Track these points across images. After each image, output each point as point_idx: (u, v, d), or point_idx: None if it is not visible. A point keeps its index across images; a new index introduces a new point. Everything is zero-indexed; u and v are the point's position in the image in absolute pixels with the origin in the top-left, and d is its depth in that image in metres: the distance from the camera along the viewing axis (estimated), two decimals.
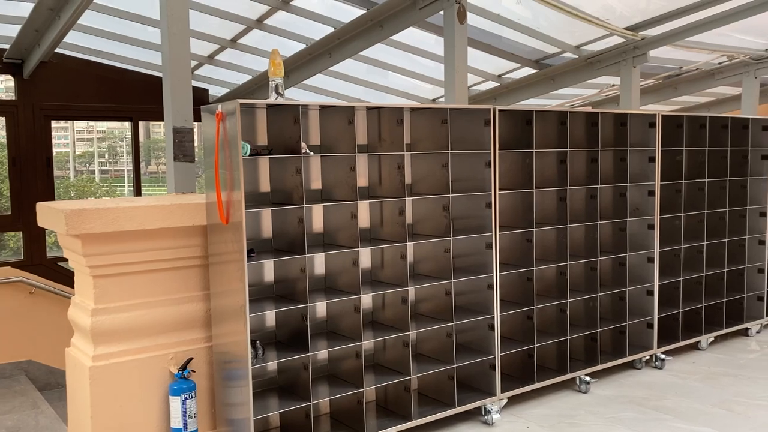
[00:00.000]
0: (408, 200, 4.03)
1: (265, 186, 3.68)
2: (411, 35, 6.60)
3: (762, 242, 5.84)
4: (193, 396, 3.42)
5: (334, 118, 3.71)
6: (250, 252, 3.39)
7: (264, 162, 3.65)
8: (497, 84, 7.68)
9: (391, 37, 6.23)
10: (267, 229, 3.70)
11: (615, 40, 5.87)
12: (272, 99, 3.39)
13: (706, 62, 6.94)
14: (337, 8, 6.08)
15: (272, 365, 3.70)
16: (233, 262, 3.27)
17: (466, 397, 4.08)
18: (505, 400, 4.19)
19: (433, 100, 8.69)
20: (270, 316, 3.73)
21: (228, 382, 3.46)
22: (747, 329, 5.80)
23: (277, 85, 3.37)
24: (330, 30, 6.31)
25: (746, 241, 5.76)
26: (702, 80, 7.35)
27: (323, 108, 3.77)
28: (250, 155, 3.28)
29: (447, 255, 4.01)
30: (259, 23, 6.58)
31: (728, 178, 5.56)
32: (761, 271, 5.86)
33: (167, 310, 3.50)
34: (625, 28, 5.62)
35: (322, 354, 3.86)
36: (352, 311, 3.68)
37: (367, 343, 3.91)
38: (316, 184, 3.83)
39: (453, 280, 4.00)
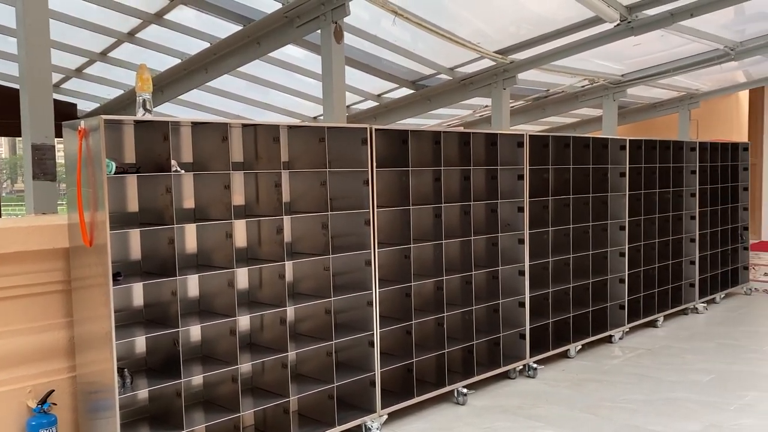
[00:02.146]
0: (286, 218, 3.98)
1: (133, 206, 3.52)
2: (291, 53, 6.58)
3: (622, 254, 6.26)
4: (54, 431, 3.19)
5: (207, 135, 3.62)
6: (116, 275, 3.22)
7: (132, 180, 3.50)
8: (377, 103, 7.80)
9: (271, 55, 6.18)
10: (135, 250, 3.54)
11: (486, 63, 6.13)
12: (140, 115, 3.26)
13: (570, 85, 7.38)
14: (214, 24, 5.96)
15: (143, 394, 3.52)
16: (98, 287, 3.10)
17: (346, 416, 4.07)
18: (386, 416, 4.21)
19: (315, 117, 8.69)
20: (140, 342, 3.56)
21: (94, 413, 3.26)
22: (611, 336, 6.18)
23: (144, 101, 3.24)
24: (206, 45, 6.17)
25: (608, 254, 6.14)
26: (567, 102, 7.82)
27: (196, 125, 3.66)
28: (116, 173, 3.14)
29: (326, 273, 4.00)
30: (131, 37, 6.33)
31: (591, 194, 5.93)
32: (622, 281, 6.27)
33: (25, 340, 3.26)
34: (496, 52, 5.88)
35: (197, 380, 3.72)
36: (228, 334, 3.58)
37: (245, 366, 3.82)
38: (189, 203, 3.71)
39: (333, 298, 3.99)
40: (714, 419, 4.29)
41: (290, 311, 4.02)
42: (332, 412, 3.95)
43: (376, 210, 4.15)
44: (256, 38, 5.40)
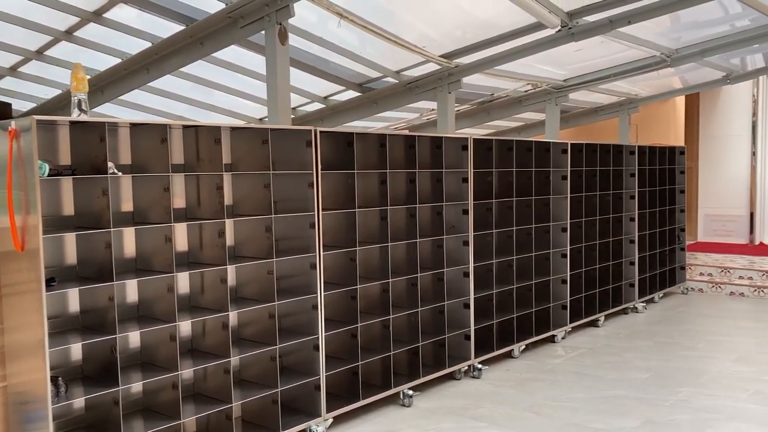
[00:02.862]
0: (228, 221, 3.93)
1: (68, 209, 3.41)
2: (235, 54, 6.48)
3: (564, 255, 6.39)
4: None
5: (146, 136, 3.54)
6: (50, 281, 3.11)
7: (67, 183, 3.39)
8: (323, 105, 7.76)
9: (216, 56, 6.08)
10: (71, 255, 3.43)
11: (432, 67, 6.16)
12: (75, 116, 3.16)
13: (514, 90, 7.49)
14: (155, 23, 5.82)
15: (78, 403, 3.42)
16: (30, 293, 2.99)
17: (291, 421, 4.03)
18: (331, 420, 4.19)
19: (261, 119, 8.59)
20: (75, 350, 3.45)
21: (26, 425, 3.14)
22: (554, 336, 6.30)
23: (80, 101, 3.15)
24: (147, 45, 6.03)
25: (551, 255, 6.26)
26: (511, 106, 7.94)
27: (134, 126, 3.58)
28: (49, 175, 3.03)
29: (270, 277, 3.96)
30: (69, 35, 6.13)
31: (534, 197, 6.03)
32: (564, 282, 6.40)
33: None
34: (441, 56, 5.92)
35: (136, 387, 3.63)
36: (168, 340, 3.50)
37: (186, 373, 3.75)
38: (127, 206, 3.62)
39: (277, 303, 3.95)
40: (651, 415, 4.42)
41: (233, 316, 3.97)
42: (276, 417, 3.90)
43: (321, 213, 4.13)
44: (199, 38, 5.31)
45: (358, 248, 4.41)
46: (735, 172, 10.56)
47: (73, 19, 5.94)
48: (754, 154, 10.44)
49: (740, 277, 8.45)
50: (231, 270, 4.01)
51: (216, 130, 3.68)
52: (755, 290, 8.24)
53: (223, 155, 3.67)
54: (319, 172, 4.10)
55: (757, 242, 10.35)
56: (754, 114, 10.42)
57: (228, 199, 4.04)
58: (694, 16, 5.99)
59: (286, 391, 3.99)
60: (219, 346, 3.75)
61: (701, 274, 8.78)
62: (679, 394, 4.82)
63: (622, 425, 4.27)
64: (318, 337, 4.14)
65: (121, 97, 7.10)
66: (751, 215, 10.45)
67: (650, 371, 5.36)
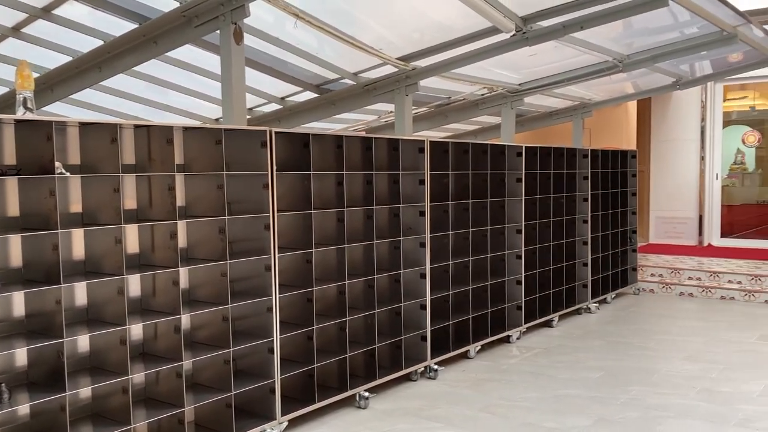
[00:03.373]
0: (180, 223, 3.87)
1: (13, 210, 3.32)
2: (191, 53, 6.40)
3: (519, 257, 6.47)
4: None
5: (96, 135, 3.46)
6: None
7: (12, 183, 3.29)
8: (281, 106, 7.71)
9: (171, 55, 5.99)
10: (16, 257, 3.33)
11: (389, 69, 6.17)
12: (20, 114, 3.08)
13: (471, 93, 7.56)
14: (107, 21, 5.70)
15: (24, 409, 3.32)
16: None
17: (245, 424, 3.99)
18: (286, 423, 4.16)
19: (217, 119, 8.49)
20: (20, 355, 3.35)
21: None
22: (509, 336, 6.37)
23: (25, 99, 3.07)
24: (99, 43, 5.90)
25: (506, 256, 6.34)
26: (468, 109, 8.00)
27: (84, 125, 3.50)
28: None
29: (224, 279, 3.91)
30: (16, 32, 5.96)
31: (489, 199, 6.10)
32: (519, 282, 6.48)
33: None
34: (398, 59, 5.94)
35: (85, 392, 3.54)
36: (118, 344, 3.43)
37: (138, 377, 3.68)
38: (76, 207, 3.54)
39: (231, 305, 3.91)
40: (603, 413, 4.50)
41: (185, 319, 3.91)
42: (230, 420, 3.86)
43: (276, 214, 4.10)
44: (153, 37, 5.21)
45: (314, 250, 4.39)
46: (685, 176, 10.86)
47: (21, 15, 5.78)
48: (702, 158, 10.74)
49: (689, 278, 8.68)
50: (183, 272, 3.95)
51: (168, 130, 3.63)
52: (703, 290, 8.48)
53: (175, 156, 3.62)
54: (275, 173, 4.07)
55: (705, 244, 10.65)
56: (703, 119, 10.73)
57: (180, 201, 3.98)
58: (646, 22, 6.13)
59: (240, 395, 3.95)
60: (171, 349, 3.69)
61: (652, 275, 8.99)
62: (630, 392, 4.93)
63: (574, 424, 4.34)
64: (273, 340, 4.11)
65: (72, 96, 6.93)
66: (700, 218, 10.75)
67: (602, 370, 5.47)
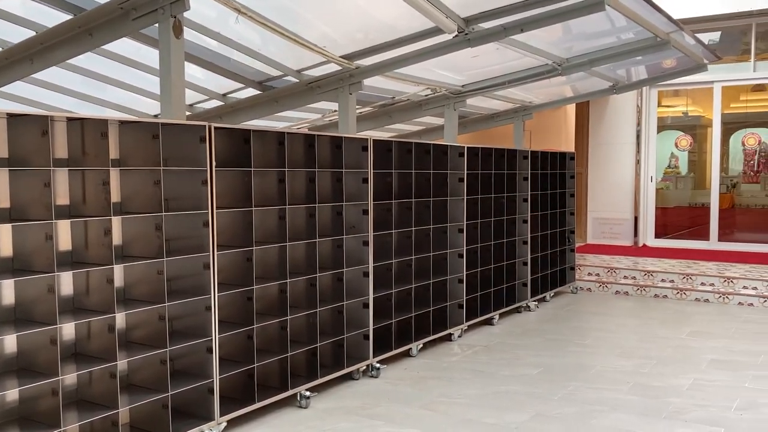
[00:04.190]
0: (115, 219, 3.76)
1: None
2: (130, 47, 6.23)
3: (461, 255, 6.54)
4: None
5: (26, 128, 3.33)
6: None
7: None
8: (222, 103, 7.59)
9: (108, 48, 5.82)
10: None
11: (333, 68, 6.15)
12: None
13: (414, 94, 7.60)
14: (41, 11, 5.50)
15: None
16: None
17: (182, 426, 3.91)
18: (225, 424, 4.09)
19: (156, 115, 8.30)
20: None
21: None
22: (450, 334, 6.44)
23: None
24: (31, 34, 5.68)
25: (448, 255, 6.40)
26: (412, 110, 8.05)
27: (12, 117, 3.36)
28: None
29: (160, 277, 3.82)
30: None
31: (432, 198, 6.14)
32: (461, 281, 6.55)
33: None
34: (342, 57, 5.93)
35: (12, 395, 3.40)
36: (49, 344, 3.31)
37: (69, 378, 3.56)
38: (4, 202, 3.39)
39: (167, 304, 3.82)
40: (540, 409, 4.59)
41: (120, 318, 3.81)
42: (166, 422, 3.77)
43: (215, 211, 4.03)
44: (88, 29, 5.05)
45: (254, 248, 4.34)
46: (621, 178, 11.20)
47: None
48: (638, 161, 11.09)
49: (625, 277, 8.95)
50: (118, 270, 3.84)
51: (102, 123, 3.52)
52: (638, 289, 8.75)
53: (110, 150, 3.52)
54: (214, 169, 4.00)
55: (640, 244, 11.00)
56: (639, 123, 11.08)
57: (115, 196, 3.87)
58: (584, 27, 6.29)
59: (177, 395, 3.86)
60: (105, 349, 3.59)
61: (589, 274, 9.23)
62: (567, 388, 5.04)
63: (512, 419, 4.41)
64: (211, 339, 4.04)
65: (1, 89, 6.67)
66: (636, 219, 11.10)
67: (541, 367, 5.58)
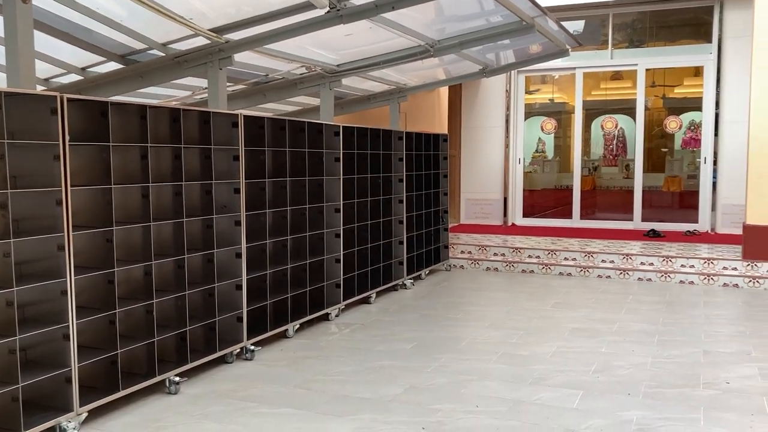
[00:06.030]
0: None
1: None
2: None
3: (338, 235, 6.53)
4: None
5: None
6: None
7: None
8: (81, 77, 7.10)
9: None
10: None
11: (201, 41, 5.91)
12: None
13: (288, 71, 7.47)
14: None
15: None
16: None
17: (36, 419, 3.64)
18: (85, 415, 3.85)
19: None
20: None
21: None
22: (328, 314, 6.42)
23: None
24: None
25: (325, 235, 6.36)
26: (286, 89, 7.90)
27: None
28: None
29: (7, 260, 3.52)
30: None
31: (307, 177, 6.07)
32: (338, 261, 6.54)
33: None
34: (210, 30, 5.70)
35: None
36: None
37: None
38: None
39: (16, 289, 3.52)
40: (413, 381, 4.67)
41: None
42: (17, 415, 3.49)
43: (69, 189, 3.75)
44: None
45: (115, 228, 4.09)
46: (491, 161, 11.63)
47: None
48: (507, 145, 11.54)
49: (495, 254, 9.30)
50: None
51: None
52: (507, 265, 9.13)
53: None
54: (67, 143, 3.72)
55: (509, 224, 11.49)
56: (508, 108, 11.53)
57: None
58: (455, 9, 6.43)
59: (29, 387, 3.58)
60: None
61: (462, 252, 9.52)
62: (439, 360, 5.16)
63: (386, 392, 4.46)
64: (68, 326, 3.77)
65: None
66: (505, 200, 11.58)
67: (415, 342, 5.68)
